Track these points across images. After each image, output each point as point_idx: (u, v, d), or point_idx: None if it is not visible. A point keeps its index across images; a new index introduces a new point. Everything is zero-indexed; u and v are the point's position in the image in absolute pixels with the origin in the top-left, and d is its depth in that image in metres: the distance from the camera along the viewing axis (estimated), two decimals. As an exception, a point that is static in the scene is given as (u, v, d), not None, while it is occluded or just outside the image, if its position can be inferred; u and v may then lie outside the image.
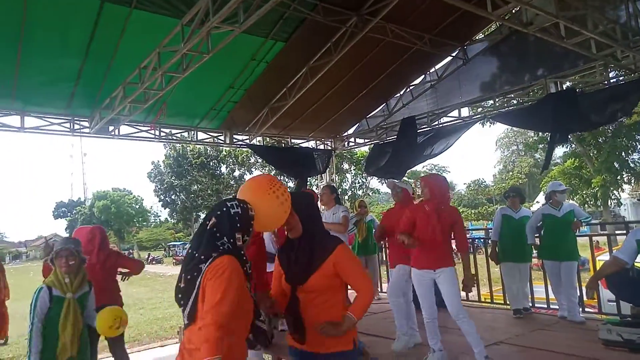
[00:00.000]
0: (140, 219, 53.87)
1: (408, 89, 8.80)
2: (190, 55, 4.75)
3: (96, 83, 6.14)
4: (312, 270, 2.28)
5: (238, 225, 2.06)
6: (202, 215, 46.36)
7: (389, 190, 4.93)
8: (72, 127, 6.93)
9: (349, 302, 2.37)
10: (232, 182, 43.05)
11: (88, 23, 5.09)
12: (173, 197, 44.01)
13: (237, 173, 43.74)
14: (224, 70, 6.71)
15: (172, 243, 46.56)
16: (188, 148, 41.37)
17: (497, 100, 7.98)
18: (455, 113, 8.44)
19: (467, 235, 4.65)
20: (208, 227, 2.03)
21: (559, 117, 6.35)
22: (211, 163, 42.53)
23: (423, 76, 8.63)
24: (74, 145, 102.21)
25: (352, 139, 10.25)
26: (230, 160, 42.18)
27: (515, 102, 8.03)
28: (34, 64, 5.57)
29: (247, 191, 2.29)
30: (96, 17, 5.02)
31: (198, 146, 41.30)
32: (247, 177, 45.72)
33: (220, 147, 40.76)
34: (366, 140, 10.11)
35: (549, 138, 6.98)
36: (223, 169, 43.30)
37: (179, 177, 42.09)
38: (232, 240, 2.04)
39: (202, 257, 1.97)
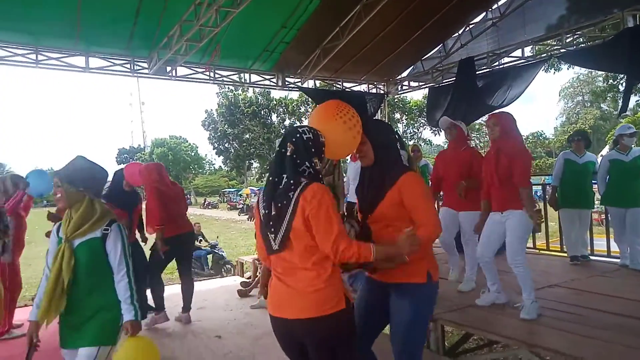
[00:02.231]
0: (195, 166, 56.16)
1: (467, 28, 8.29)
2: (245, -12, 4.69)
3: (153, 22, 6.23)
4: (379, 199, 2.26)
5: (313, 150, 2.04)
6: (255, 164, 47.76)
7: (441, 142, 4.76)
8: (132, 67, 7.17)
9: None
10: (282, 131, 43.50)
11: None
12: (226, 145, 45.22)
13: (287, 122, 44.05)
14: (276, 9, 6.61)
15: (226, 190, 48.44)
16: (240, 97, 41.90)
17: (565, 37, 7.36)
18: (518, 53, 7.92)
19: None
20: (288, 154, 2.02)
21: (637, 55, 5.79)
22: (262, 112, 42.97)
23: (484, 14, 8.07)
24: (132, 94, 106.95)
25: (405, 83, 9.93)
26: (281, 109, 42.45)
27: (586, 40, 7.38)
28: (95, 4, 5.71)
29: (315, 117, 2.24)
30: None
31: (249, 95, 41.82)
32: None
33: (271, 96, 41.01)
34: (420, 84, 9.76)
35: (624, 81, 6.40)
36: (274, 117, 43.71)
37: (231, 126, 42.99)
38: (312, 165, 2.03)
39: (291, 182, 1.97)
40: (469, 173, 4.20)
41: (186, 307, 4.98)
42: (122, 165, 5.21)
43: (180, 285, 5.10)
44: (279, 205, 1.97)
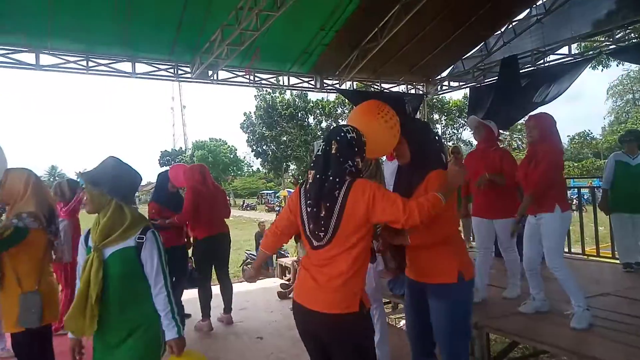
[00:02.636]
0: (234, 167, 57.29)
1: (510, 25, 8.04)
2: (285, -9, 4.74)
3: (196, 28, 6.41)
4: (408, 195, 2.23)
5: (356, 149, 2.07)
6: (292, 166, 48.15)
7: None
8: (175, 72, 7.41)
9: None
10: (319, 133, 43.66)
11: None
12: (264, 147, 45.78)
13: (324, 124, 44.17)
14: (314, 11, 6.64)
15: (265, 191, 49.14)
16: (277, 99, 42.37)
17: (616, 33, 6.99)
18: (564, 50, 7.60)
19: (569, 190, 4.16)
20: (332, 152, 2.04)
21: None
22: (299, 114, 43.25)
23: (528, 10, 7.80)
24: (174, 99, 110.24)
25: (445, 83, 9.74)
26: (318, 111, 42.61)
27: (638, 35, 6.99)
28: (142, 10, 5.93)
29: (356, 116, 2.27)
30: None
31: (287, 97, 42.22)
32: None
33: (308, 98, 41.25)
34: (461, 83, 9.56)
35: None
36: (311, 120, 43.93)
37: (269, 128, 43.51)
38: (355, 164, 2.06)
39: (336, 180, 2.00)
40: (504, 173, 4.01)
41: (227, 308, 5.03)
42: (166, 168, 5.35)
43: (218, 287, 5.12)
44: (327, 204, 2.00)
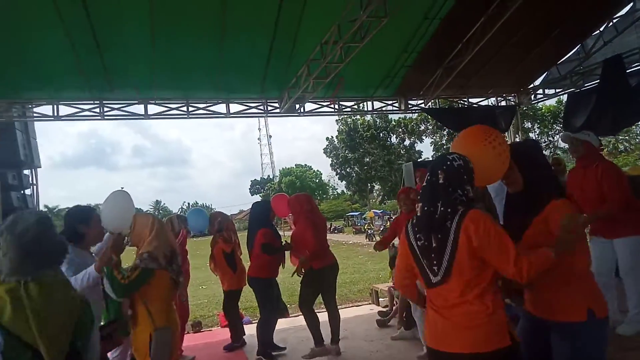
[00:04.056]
0: (320, 191, 58.46)
1: (610, 23, 7.39)
2: (368, 22, 4.81)
3: (283, 65, 6.72)
4: (523, 227, 2.11)
5: (464, 177, 1.99)
6: (376, 186, 47.95)
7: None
8: (265, 108, 7.80)
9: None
10: (402, 152, 43.17)
11: (273, 3, 5.48)
12: (348, 169, 46.26)
13: (407, 142, 43.61)
14: (396, 35, 6.63)
15: (351, 213, 49.27)
16: (358, 121, 42.78)
17: None
18: (681, 42, 6.80)
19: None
20: (440, 182, 1.98)
21: None
22: (381, 134, 43.24)
23: (632, 4, 7.11)
24: (260, 129, 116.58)
25: (539, 91, 9.15)
26: (400, 129, 42.23)
27: None
28: (233, 56, 6.36)
29: (461, 143, 2.19)
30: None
31: (367, 118, 42.49)
32: (418, 145, 45.43)
33: (389, 117, 41.13)
34: (558, 90, 8.90)
35: None
36: (393, 139, 43.65)
37: (352, 151, 43.95)
38: (465, 192, 1.98)
39: (448, 211, 1.93)
40: (604, 194, 3.59)
41: (335, 339, 4.96)
42: (257, 197, 5.59)
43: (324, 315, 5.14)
44: (439, 236, 1.92)
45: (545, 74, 8.84)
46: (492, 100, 9.30)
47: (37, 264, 1.70)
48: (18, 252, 1.68)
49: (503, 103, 9.30)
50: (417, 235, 2.02)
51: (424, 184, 2.08)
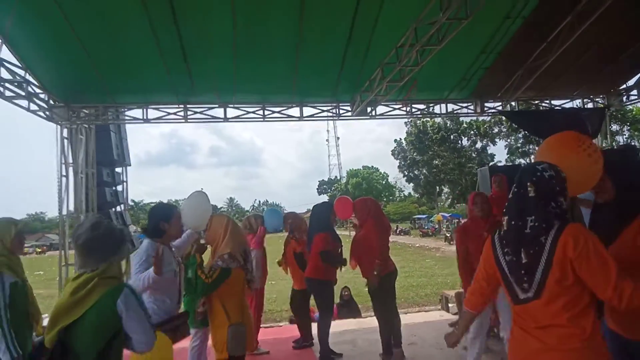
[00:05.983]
0: (387, 193, 57.96)
1: None
2: (447, 24, 4.71)
3: (356, 68, 6.75)
4: (610, 241, 1.97)
5: (557, 188, 1.86)
6: (445, 189, 46.54)
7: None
8: (337, 112, 7.89)
9: None
10: (474, 155, 41.59)
11: (349, 7, 5.50)
12: (416, 172, 45.39)
13: (479, 145, 41.98)
14: (475, 35, 6.42)
15: (417, 216, 48.34)
16: (428, 123, 41.82)
17: None
18: None
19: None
20: (531, 195, 1.87)
21: None
22: (451, 137, 41.99)
23: None
24: (329, 132, 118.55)
25: (633, 92, 8.43)
26: (472, 132, 40.71)
27: None
28: (308, 60, 6.50)
29: (552, 150, 2.08)
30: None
31: (437, 121, 41.37)
32: (490, 148, 43.44)
33: (460, 119, 39.72)
34: (655, 91, 8.16)
35: None
36: (464, 141, 42.20)
37: (420, 153, 43.08)
38: (559, 205, 1.85)
39: (543, 226, 1.81)
40: None
41: (397, 343, 4.90)
42: (323, 197, 5.64)
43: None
44: (531, 252, 1.82)
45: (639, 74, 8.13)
46: (577, 102, 8.72)
47: (94, 260, 2.01)
48: (76, 251, 2.07)
49: (589, 105, 8.68)
50: (505, 250, 1.93)
51: (510, 195, 1.98)
